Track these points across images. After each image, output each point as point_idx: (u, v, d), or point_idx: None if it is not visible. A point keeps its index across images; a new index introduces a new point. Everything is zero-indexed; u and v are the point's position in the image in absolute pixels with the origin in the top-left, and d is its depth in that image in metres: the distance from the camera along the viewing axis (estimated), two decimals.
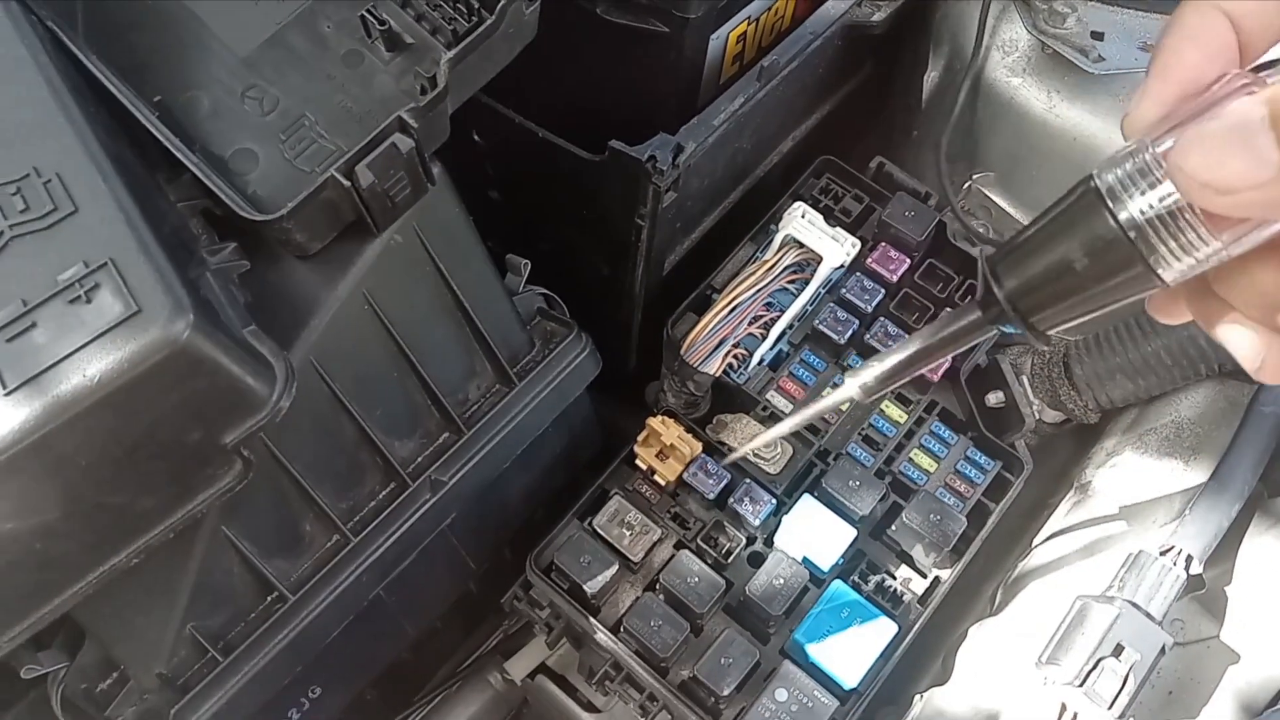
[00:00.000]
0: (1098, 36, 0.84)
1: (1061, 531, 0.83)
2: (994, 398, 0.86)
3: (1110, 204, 0.32)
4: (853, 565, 0.80)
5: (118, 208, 0.49)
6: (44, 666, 0.63)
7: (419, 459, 0.73)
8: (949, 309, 0.85)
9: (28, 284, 0.47)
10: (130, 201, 0.50)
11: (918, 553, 0.80)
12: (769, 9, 0.91)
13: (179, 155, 0.58)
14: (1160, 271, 0.32)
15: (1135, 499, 0.81)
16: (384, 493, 0.72)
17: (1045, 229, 0.35)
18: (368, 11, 0.66)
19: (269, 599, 0.68)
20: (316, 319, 0.65)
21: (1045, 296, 0.36)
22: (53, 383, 0.45)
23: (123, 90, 0.60)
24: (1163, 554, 0.70)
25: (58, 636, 0.65)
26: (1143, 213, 0.32)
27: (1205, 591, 0.78)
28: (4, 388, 0.45)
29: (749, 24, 0.90)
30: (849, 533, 0.77)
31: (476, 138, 0.88)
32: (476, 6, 0.66)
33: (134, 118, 0.59)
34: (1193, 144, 0.30)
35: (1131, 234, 0.32)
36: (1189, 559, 0.70)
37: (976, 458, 0.84)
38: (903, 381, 0.44)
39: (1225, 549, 0.76)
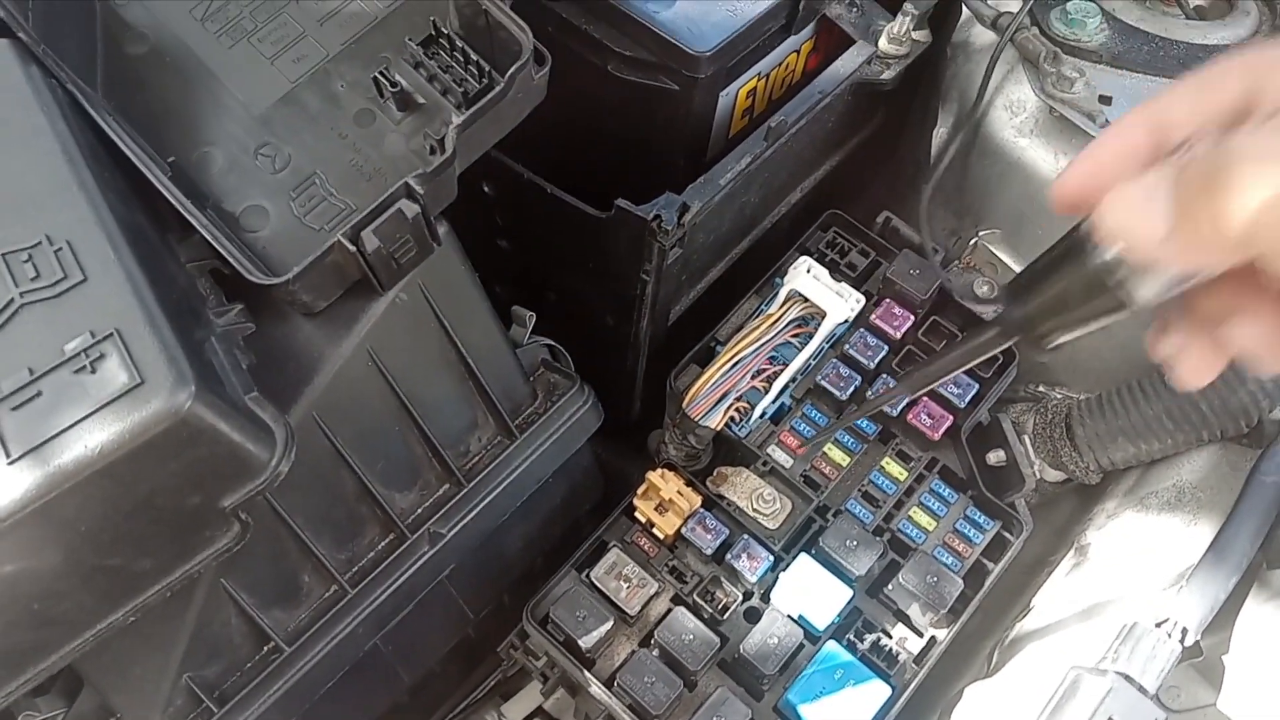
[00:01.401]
0: (1105, 100, 0.84)
1: (1060, 594, 0.83)
2: (994, 456, 0.86)
3: (1090, 243, 0.38)
4: (849, 623, 0.80)
5: (126, 278, 0.51)
6: (41, 713, 0.64)
7: (418, 511, 0.74)
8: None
9: (35, 352, 0.49)
10: (139, 271, 0.51)
11: (914, 612, 0.80)
12: (779, 65, 0.92)
13: (190, 218, 0.59)
14: (1125, 297, 0.38)
15: (1134, 563, 0.80)
16: (383, 544, 0.73)
17: (1047, 258, 0.42)
18: (380, 73, 0.67)
19: (265, 649, 0.69)
20: (320, 375, 0.66)
21: (1044, 312, 0.43)
22: (55, 452, 0.46)
23: (137, 152, 0.61)
24: (1158, 625, 0.70)
25: (56, 683, 0.66)
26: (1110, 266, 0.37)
27: (1203, 659, 0.77)
28: (8, 456, 0.46)
29: (759, 80, 0.91)
30: (845, 593, 0.77)
31: (486, 189, 0.89)
32: (488, 69, 0.67)
33: (148, 178, 0.61)
34: (1112, 202, 0.36)
35: (1105, 266, 0.38)
36: (1184, 631, 0.70)
37: (976, 517, 0.84)
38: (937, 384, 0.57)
39: (1224, 617, 0.76)
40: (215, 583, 0.64)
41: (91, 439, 0.47)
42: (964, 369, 0.56)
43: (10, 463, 0.46)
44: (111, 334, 0.49)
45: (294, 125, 0.69)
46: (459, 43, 0.68)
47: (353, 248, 0.60)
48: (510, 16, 0.64)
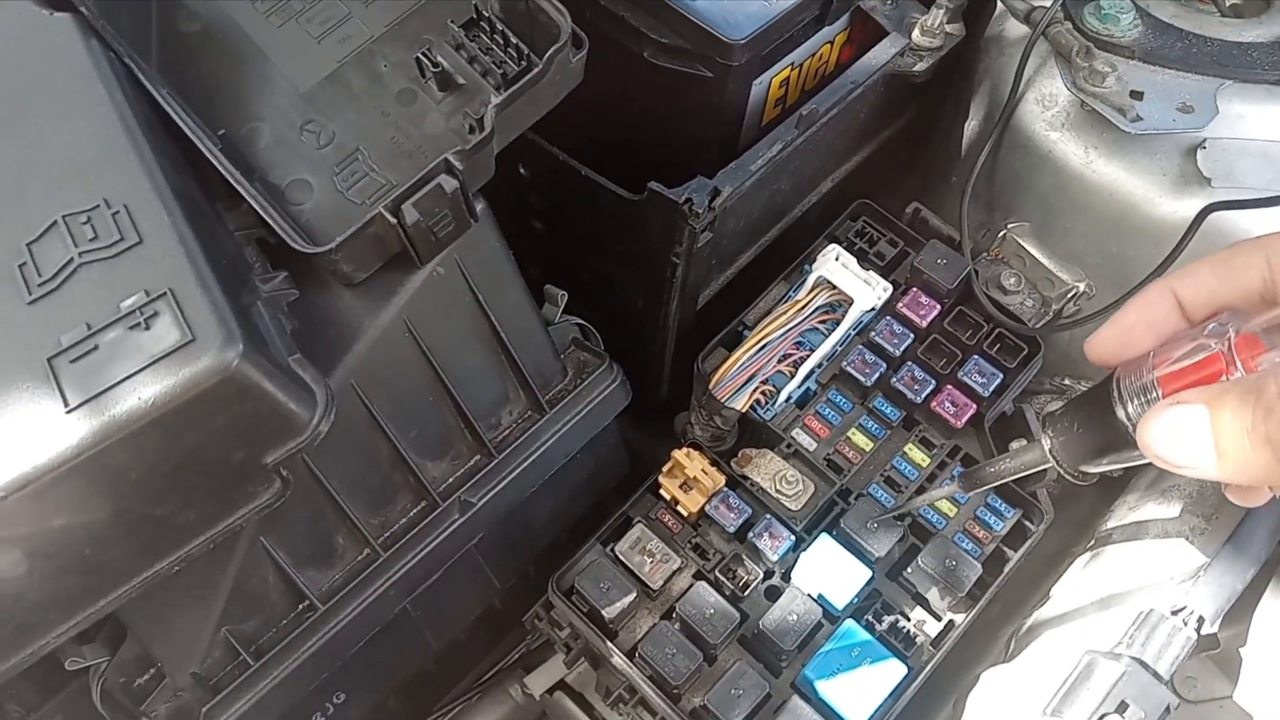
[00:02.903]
0: (1137, 96, 0.85)
1: (1080, 583, 0.84)
2: (1017, 445, 0.87)
3: (1117, 398, 0.43)
4: (868, 604, 0.81)
5: (179, 240, 0.53)
6: (86, 659, 0.66)
7: (450, 480, 0.76)
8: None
9: (93, 309, 0.51)
10: (191, 234, 0.54)
11: (933, 596, 0.81)
12: (813, 55, 0.93)
13: (238, 188, 0.61)
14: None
15: (1154, 554, 0.81)
16: (414, 511, 0.75)
17: (1079, 406, 0.48)
18: (423, 54, 0.69)
19: (300, 607, 0.71)
20: (359, 344, 0.68)
21: (1073, 452, 0.49)
22: (110, 404, 0.49)
23: (190, 124, 0.63)
24: (1174, 614, 0.71)
25: (101, 632, 0.68)
26: (1129, 416, 0.44)
27: (1220, 651, 0.78)
28: (66, 405, 0.49)
29: (792, 69, 0.92)
30: (864, 573, 0.79)
31: (523, 170, 0.91)
32: (526, 51, 0.69)
33: (199, 149, 0.63)
34: (1156, 431, 0.41)
35: (1126, 422, 0.43)
36: (1200, 620, 0.70)
37: (997, 505, 0.85)
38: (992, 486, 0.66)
39: (1241, 610, 0.76)
40: (255, 540, 0.66)
41: (144, 392, 0.49)
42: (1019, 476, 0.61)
43: (68, 411, 0.49)
44: (165, 293, 0.51)
45: (338, 103, 0.71)
46: (499, 25, 0.69)
47: (393, 220, 0.62)
48: (549, 0, 0.65)
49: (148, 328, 0.50)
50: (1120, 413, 0.43)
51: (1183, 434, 0.39)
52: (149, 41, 0.72)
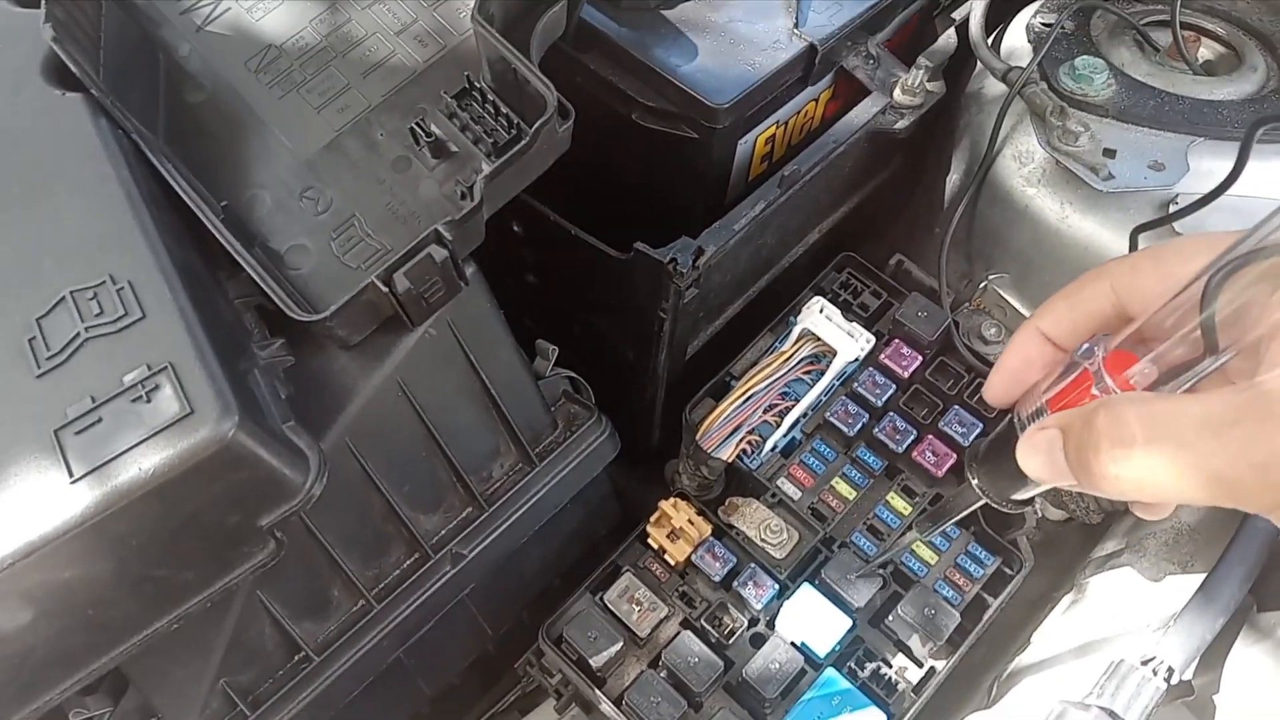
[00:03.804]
0: (1109, 154, 0.87)
1: (1059, 630, 0.86)
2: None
3: (1019, 428, 0.47)
4: (851, 651, 0.83)
5: (179, 315, 0.56)
6: (90, 710, 0.69)
7: (442, 532, 0.78)
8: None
9: (97, 382, 0.54)
10: (191, 308, 0.57)
11: (914, 643, 0.83)
12: (798, 113, 0.97)
13: (239, 259, 0.64)
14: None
15: (1130, 602, 0.83)
16: (408, 563, 0.77)
17: (994, 441, 0.52)
18: (417, 123, 0.72)
19: (296, 658, 0.73)
20: (354, 404, 0.71)
21: (995, 484, 0.53)
22: (113, 473, 0.52)
23: (193, 196, 0.66)
24: (1144, 663, 0.72)
25: (104, 683, 0.71)
26: None
27: (1194, 699, 0.80)
28: (71, 475, 0.52)
29: (778, 127, 0.95)
30: (845, 623, 0.81)
31: (516, 228, 0.94)
32: (516, 120, 0.72)
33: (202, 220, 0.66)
34: (1025, 450, 0.44)
35: None
36: (1170, 670, 0.72)
37: (977, 552, 0.87)
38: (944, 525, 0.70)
39: (1214, 657, 0.78)
40: (252, 594, 0.68)
41: (145, 462, 0.52)
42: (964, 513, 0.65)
43: (73, 481, 0.51)
44: (166, 367, 0.54)
45: (336, 170, 0.74)
46: (490, 95, 0.72)
47: (385, 288, 0.65)
48: (536, 75, 0.68)
49: (149, 400, 0.53)
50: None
51: (1045, 455, 0.42)
52: (157, 112, 0.75)
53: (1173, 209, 0.83)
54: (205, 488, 0.54)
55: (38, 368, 0.55)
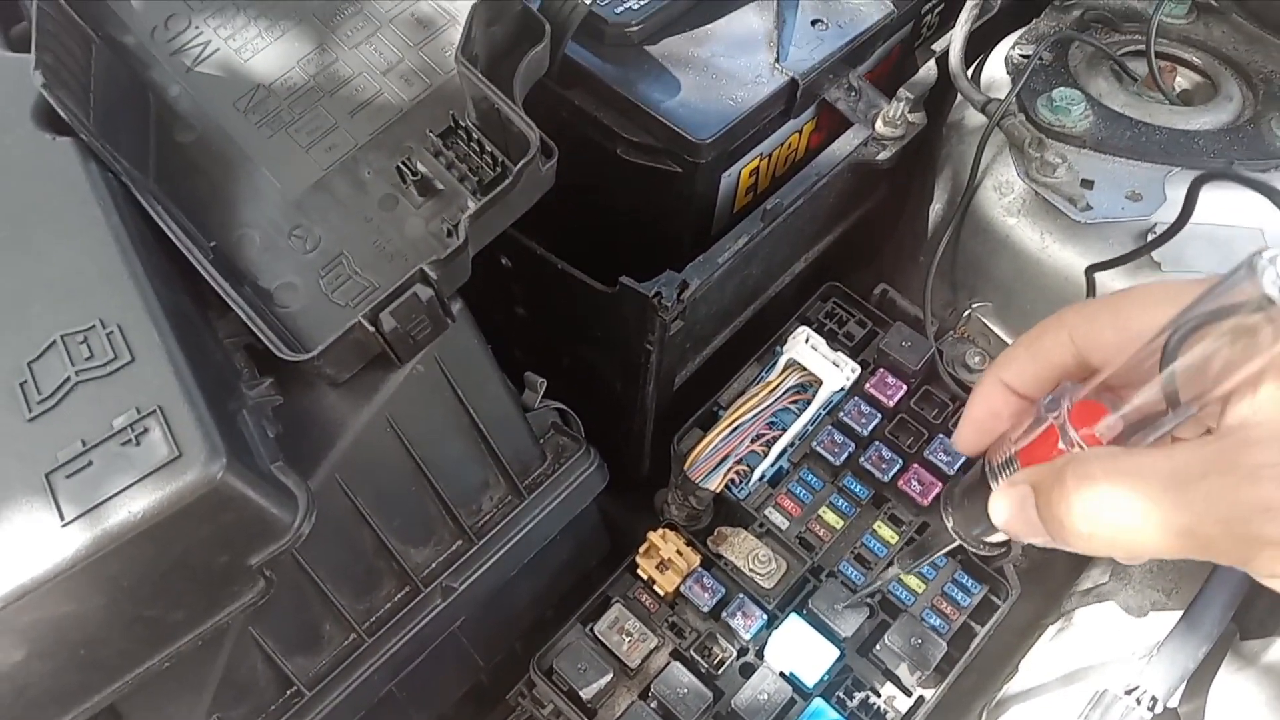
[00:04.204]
0: (1087, 184, 0.89)
1: (1045, 658, 0.86)
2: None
3: (990, 474, 0.48)
4: (840, 680, 0.84)
5: (168, 359, 0.57)
6: None
7: (432, 565, 0.79)
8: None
9: (87, 425, 0.55)
10: (180, 352, 0.57)
11: (902, 671, 0.84)
12: (782, 144, 0.98)
13: (228, 301, 0.65)
14: None
15: (1115, 630, 0.84)
16: (398, 596, 0.78)
17: (966, 485, 0.53)
18: (404, 162, 0.74)
19: (288, 693, 0.74)
20: (343, 440, 0.71)
21: (969, 528, 0.54)
22: (103, 516, 0.52)
23: (182, 238, 0.67)
24: (1128, 693, 0.73)
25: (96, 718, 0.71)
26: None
27: None
28: (62, 518, 0.52)
29: (761, 159, 0.96)
30: (833, 653, 0.81)
31: (504, 261, 0.95)
32: (501, 158, 0.73)
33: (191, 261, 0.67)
34: (998, 507, 0.45)
35: None
36: (1154, 699, 0.73)
37: (964, 580, 0.87)
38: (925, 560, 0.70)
39: (1198, 685, 0.79)
40: (244, 630, 0.69)
41: (135, 505, 0.52)
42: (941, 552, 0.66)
43: (64, 524, 0.52)
44: (154, 411, 0.55)
45: (324, 209, 0.75)
46: (475, 134, 0.74)
47: (372, 328, 0.66)
48: (519, 115, 0.69)
49: (138, 444, 0.54)
50: (994, 486, 0.47)
51: (1018, 511, 0.43)
52: (147, 153, 0.76)
53: (1150, 239, 0.85)
54: (195, 529, 0.55)
55: (29, 411, 0.56)
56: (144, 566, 0.55)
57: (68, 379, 0.56)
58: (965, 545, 0.55)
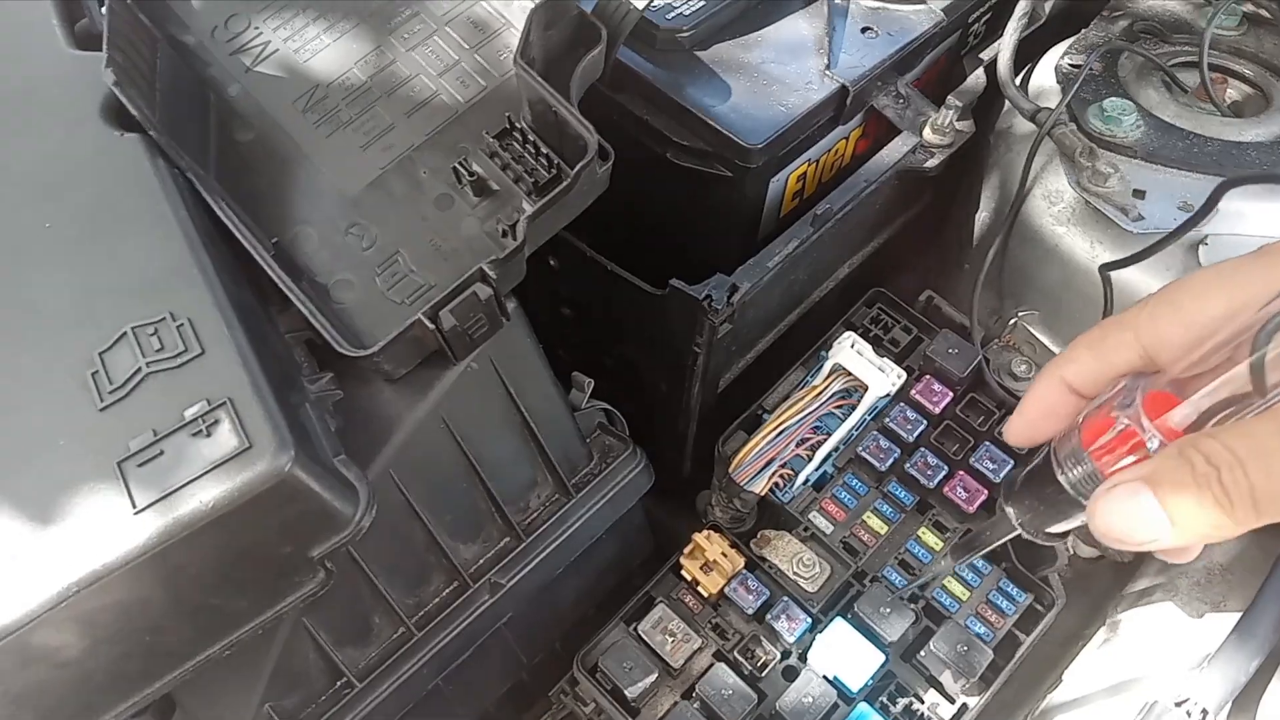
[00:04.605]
0: (1139, 194, 0.88)
1: (1090, 668, 0.86)
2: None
3: (1057, 467, 0.47)
4: (883, 686, 0.84)
5: (237, 352, 0.58)
6: None
7: (480, 562, 0.80)
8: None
9: (159, 416, 0.56)
10: (248, 345, 0.59)
11: (946, 679, 0.83)
12: (829, 151, 0.98)
13: (290, 295, 0.66)
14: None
15: (1162, 641, 0.83)
16: (447, 591, 0.79)
17: (1030, 477, 0.51)
18: (460, 162, 0.75)
19: (338, 684, 0.74)
20: (398, 435, 0.72)
21: (1032, 518, 0.53)
22: (175, 505, 0.53)
23: (245, 233, 0.69)
24: (1178, 705, 0.73)
25: (152, 705, 0.72)
26: (1070, 483, 0.47)
27: None
28: (134, 506, 0.53)
29: (809, 165, 0.97)
30: (878, 657, 0.81)
31: (552, 262, 0.96)
32: (556, 160, 0.74)
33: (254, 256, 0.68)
34: (1106, 515, 0.42)
35: (1068, 488, 0.47)
36: (1205, 712, 0.72)
37: (1008, 589, 0.87)
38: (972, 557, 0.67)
39: (1248, 698, 0.78)
40: (298, 621, 0.70)
41: (205, 495, 0.53)
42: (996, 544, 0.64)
43: (136, 512, 0.53)
44: (225, 402, 0.56)
45: (381, 207, 0.76)
46: (530, 136, 0.74)
47: (431, 325, 0.66)
48: (576, 117, 0.70)
49: (209, 434, 0.55)
50: (1063, 479, 0.47)
51: (1131, 515, 0.41)
52: (208, 151, 0.78)
53: (1201, 250, 0.84)
54: (261, 520, 0.56)
55: (101, 401, 0.57)
56: (211, 555, 0.56)
57: (138, 369, 0.57)
58: (1026, 535, 0.55)
